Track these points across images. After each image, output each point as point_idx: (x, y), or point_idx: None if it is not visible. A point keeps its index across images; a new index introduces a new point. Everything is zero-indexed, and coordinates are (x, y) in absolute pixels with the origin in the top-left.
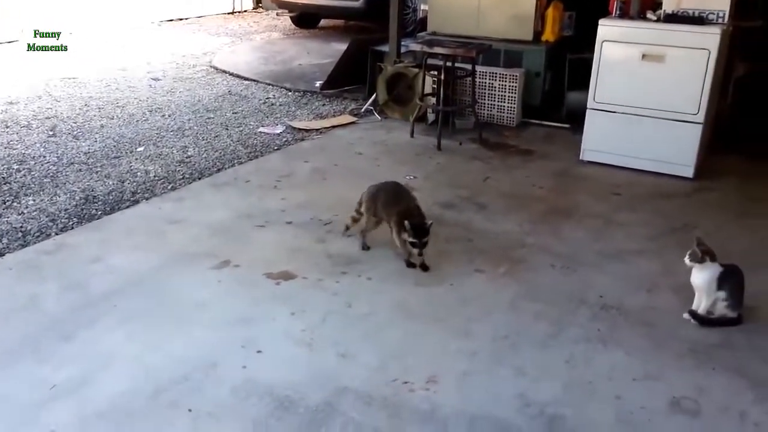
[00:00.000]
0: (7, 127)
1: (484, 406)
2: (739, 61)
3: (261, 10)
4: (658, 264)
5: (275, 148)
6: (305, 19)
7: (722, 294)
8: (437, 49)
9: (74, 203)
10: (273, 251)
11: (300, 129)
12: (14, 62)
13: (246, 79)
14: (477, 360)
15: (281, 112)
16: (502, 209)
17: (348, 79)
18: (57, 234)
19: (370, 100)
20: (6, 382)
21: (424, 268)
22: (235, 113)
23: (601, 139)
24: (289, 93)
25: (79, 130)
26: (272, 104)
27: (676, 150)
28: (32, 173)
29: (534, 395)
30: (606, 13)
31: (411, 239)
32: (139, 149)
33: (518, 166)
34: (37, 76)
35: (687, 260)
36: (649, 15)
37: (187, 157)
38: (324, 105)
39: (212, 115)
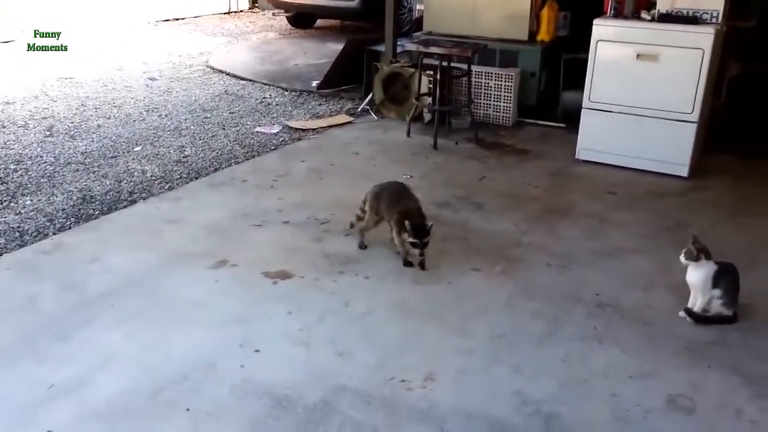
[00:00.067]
0: (4, 127)
1: (481, 404)
2: (733, 61)
3: (257, 10)
4: (653, 262)
5: (272, 147)
6: (301, 19)
7: (717, 292)
8: (433, 49)
9: (71, 203)
10: (270, 251)
11: (297, 129)
12: (11, 62)
13: (242, 78)
14: (474, 358)
15: (278, 112)
16: (498, 208)
17: (344, 78)
18: (54, 234)
19: (367, 100)
20: (4, 382)
21: (422, 266)
22: (232, 113)
23: (597, 138)
24: (286, 93)
25: (75, 130)
26: (269, 104)
27: (671, 149)
28: (29, 173)
29: (530, 393)
30: (601, 13)
31: (411, 239)
32: (136, 149)
33: (514, 165)
34: (34, 76)
35: (682, 258)
36: (644, 15)
37: (184, 157)
38: (320, 105)
39: (209, 115)
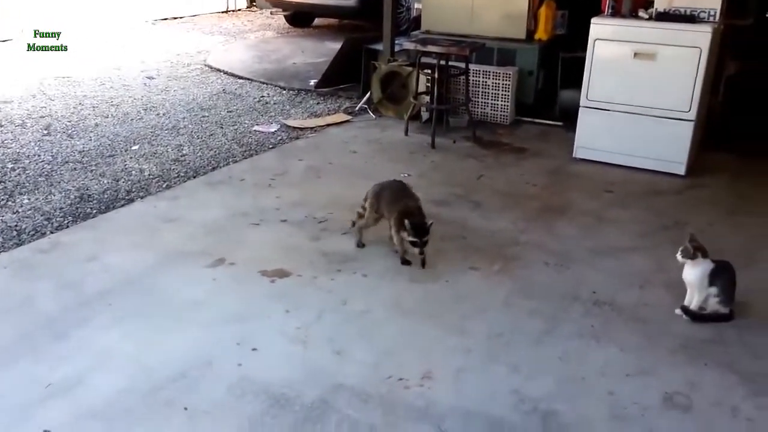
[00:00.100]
0: (1, 126)
1: (479, 402)
2: (730, 60)
3: (255, 8)
4: (650, 260)
5: (270, 146)
6: (299, 18)
7: (714, 290)
8: (431, 48)
9: (69, 202)
10: (268, 249)
11: (294, 127)
12: (8, 61)
13: (240, 77)
14: (472, 357)
15: (276, 111)
16: (496, 207)
17: (342, 77)
18: (52, 233)
19: (365, 99)
20: (1, 382)
21: (423, 263)
22: (230, 112)
23: (594, 136)
24: (284, 91)
25: (73, 129)
26: (267, 103)
27: (668, 148)
28: (27, 172)
29: (528, 391)
30: (598, 12)
31: (411, 238)
32: (133, 148)
33: (512, 164)
34: (31, 75)
35: (679, 257)
36: (641, 13)
37: (181, 156)
38: (318, 103)
39: (207, 114)
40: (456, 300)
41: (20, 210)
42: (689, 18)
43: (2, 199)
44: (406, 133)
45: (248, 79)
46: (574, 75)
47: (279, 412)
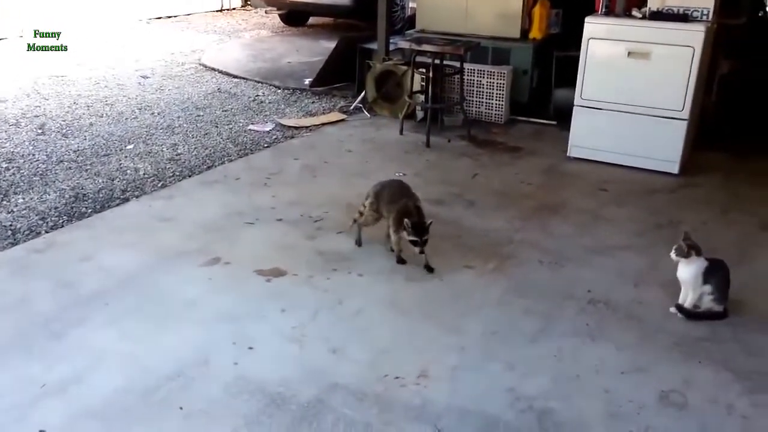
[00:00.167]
0: None
1: (475, 400)
2: (724, 59)
3: (249, 7)
4: (644, 259)
5: (265, 145)
6: (294, 17)
7: (708, 288)
8: (425, 47)
9: (64, 201)
10: (263, 248)
11: (290, 126)
12: (3, 60)
13: (235, 76)
14: (467, 355)
15: (271, 110)
16: (490, 206)
17: (337, 76)
18: (47, 232)
19: (359, 98)
20: None
21: (429, 269)
22: (225, 111)
23: (588, 135)
24: (279, 91)
25: (68, 128)
26: (262, 102)
27: (662, 146)
28: (21, 171)
29: (523, 389)
30: (592, 11)
31: (411, 237)
32: (128, 147)
33: (506, 162)
34: (26, 74)
35: (673, 255)
36: (635, 12)
37: (176, 155)
38: (313, 102)
39: (202, 113)
40: (451, 299)
41: (15, 209)
42: (682, 17)
43: None
44: (401, 132)
45: (243, 78)
46: (568, 74)
47: (275, 411)
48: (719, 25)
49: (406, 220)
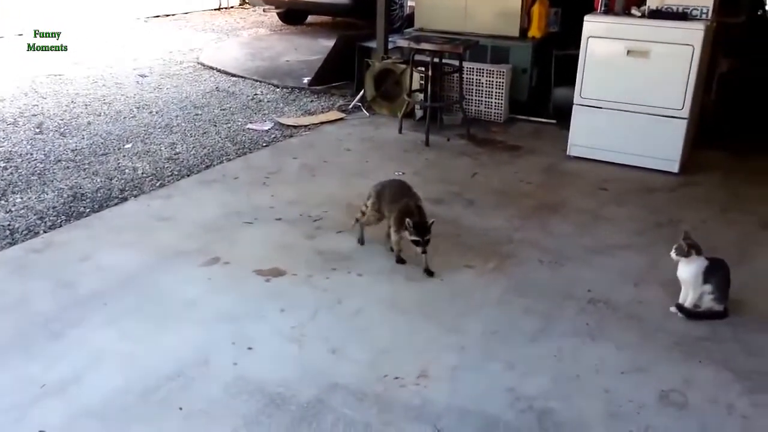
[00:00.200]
0: None
1: (475, 400)
2: (723, 57)
3: (247, 6)
4: (644, 258)
5: (263, 144)
6: (292, 16)
7: (708, 287)
8: (424, 45)
9: (62, 201)
10: (262, 248)
11: (288, 125)
12: (0, 59)
13: (233, 75)
14: (467, 355)
15: (269, 109)
16: (490, 205)
17: (336, 75)
18: (45, 232)
19: (358, 97)
20: None
21: (429, 273)
22: (223, 110)
23: (588, 134)
24: (277, 89)
25: (66, 127)
26: (260, 101)
27: (662, 145)
28: (19, 171)
29: (523, 389)
30: (591, 9)
31: (413, 237)
32: (126, 146)
33: (506, 161)
34: (24, 73)
35: (673, 254)
36: (634, 11)
37: (175, 154)
38: (312, 101)
39: (200, 112)
40: (451, 298)
41: (13, 209)
42: (682, 15)
43: None
44: (400, 131)
45: (241, 76)
46: (567, 72)
47: (274, 411)
48: (718, 23)
49: (408, 219)
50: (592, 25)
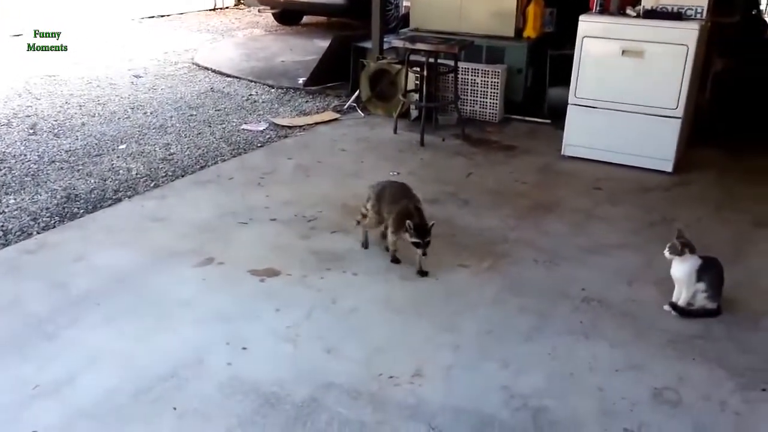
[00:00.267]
0: None
1: (469, 399)
2: (717, 57)
3: (242, 6)
4: (638, 257)
5: (258, 145)
6: (287, 16)
7: (702, 286)
8: (420, 46)
9: (56, 202)
10: (257, 248)
11: (283, 126)
12: None
13: (228, 76)
14: (462, 354)
15: (264, 109)
16: (485, 204)
17: (331, 75)
18: (39, 233)
19: (353, 97)
20: None
21: (423, 273)
22: (218, 110)
23: (582, 134)
24: (272, 90)
25: (59, 128)
26: (255, 101)
27: (656, 144)
28: (13, 172)
29: (518, 388)
30: (586, 10)
31: (414, 239)
32: (120, 147)
33: (501, 161)
34: (17, 74)
35: (667, 253)
36: (629, 11)
37: (169, 155)
38: (307, 102)
39: (195, 113)
40: (446, 297)
41: (6, 210)
42: (676, 15)
43: None
44: (395, 131)
45: (236, 77)
46: (562, 72)
47: (269, 411)
48: (713, 23)
49: (408, 221)
50: (587, 25)
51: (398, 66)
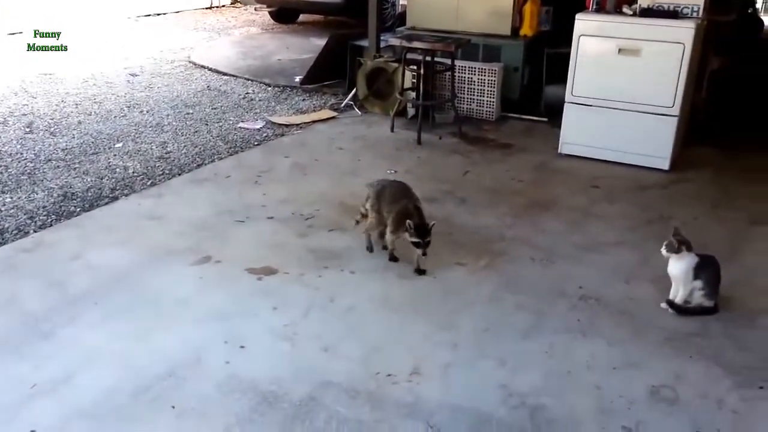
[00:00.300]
0: None
1: (467, 397)
2: (714, 55)
3: (239, 5)
4: (635, 255)
5: (255, 143)
6: (284, 14)
7: (699, 283)
8: (416, 44)
9: (52, 200)
10: (254, 246)
11: (280, 124)
12: None
13: (225, 74)
14: (459, 352)
15: (261, 108)
16: (482, 203)
17: (328, 74)
18: (35, 232)
19: (350, 95)
20: None
21: (420, 272)
22: (215, 108)
23: (579, 132)
24: (269, 88)
25: (56, 127)
26: (252, 99)
27: (653, 143)
28: (9, 170)
29: (515, 386)
30: (583, 8)
31: (414, 239)
32: (117, 145)
33: (498, 159)
34: (13, 73)
35: (664, 251)
36: (625, 9)
37: (166, 153)
38: (304, 100)
39: (191, 111)
40: (443, 295)
41: (3, 209)
42: (673, 14)
43: None
44: (392, 130)
45: (233, 75)
46: (559, 71)
47: (267, 409)
48: (709, 21)
49: (408, 221)
50: (583, 23)
51: (395, 64)
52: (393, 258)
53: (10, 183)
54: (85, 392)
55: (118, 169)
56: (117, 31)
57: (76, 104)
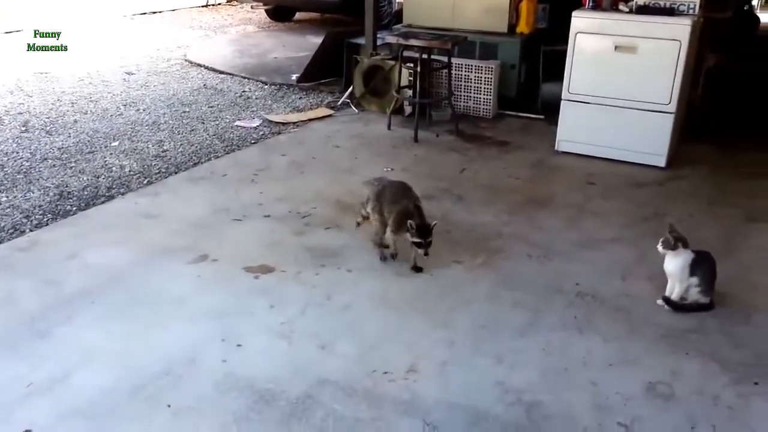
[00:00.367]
0: None
1: (464, 394)
2: (710, 52)
3: (235, 3)
4: (632, 252)
5: (252, 141)
6: (280, 12)
7: (695, 280)
8: (413, 42)
9: (48, 199)
10: (251, 245)
11: (277, 122)
12: None
13: (221, 72)
14: (456, 349)
15: (257, 106)
16: (479, 200)
17: (324, 71)
18: (31, 230)
19: (347, 93)
20: None
21: (417, 269)
22: (211, 107)
23: (576, 129)
24: (265, 86)
25: (52, 126)
26: (248, 98)
27: (649, 140)
28: (5, 169)
29: (512, 383)
30: (579, 5)
31: (416, 239)
32: (113, 144)
33: (494, 157)
34: (9, 71)
35: (660, 247)
36: (622, 6)
37: (162, 152)
38: (300, 98)
39: (188, 109)
40: (440, 293)
41: None
42: (669, 11)
43: None
44: (389, 127)
45: (229, 74)
46: (555, 68)
47: (264, 407)
48: (705, 18)
49: (410, 221)
50: (580, 20)
51: (392, 62)
52: (384, 258)
53: (5, 182)
54: (81, 391)
55: (114, 168)
56: (113, 29)
57: (72, 103)
